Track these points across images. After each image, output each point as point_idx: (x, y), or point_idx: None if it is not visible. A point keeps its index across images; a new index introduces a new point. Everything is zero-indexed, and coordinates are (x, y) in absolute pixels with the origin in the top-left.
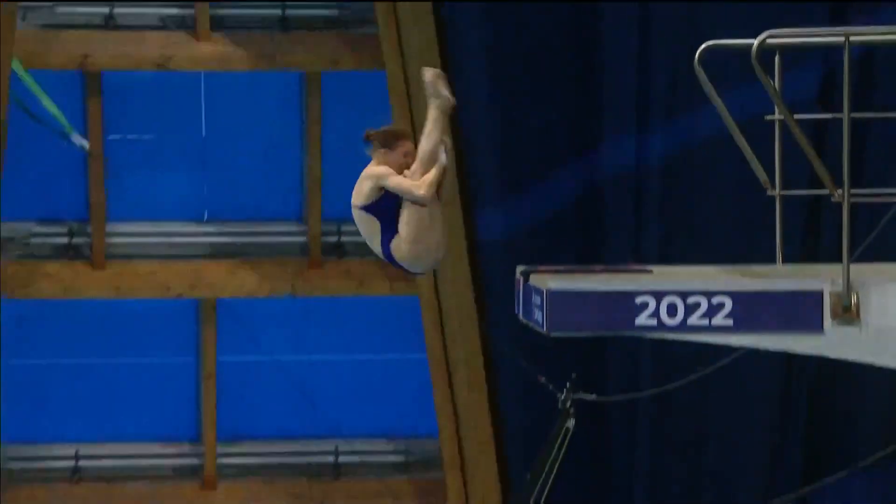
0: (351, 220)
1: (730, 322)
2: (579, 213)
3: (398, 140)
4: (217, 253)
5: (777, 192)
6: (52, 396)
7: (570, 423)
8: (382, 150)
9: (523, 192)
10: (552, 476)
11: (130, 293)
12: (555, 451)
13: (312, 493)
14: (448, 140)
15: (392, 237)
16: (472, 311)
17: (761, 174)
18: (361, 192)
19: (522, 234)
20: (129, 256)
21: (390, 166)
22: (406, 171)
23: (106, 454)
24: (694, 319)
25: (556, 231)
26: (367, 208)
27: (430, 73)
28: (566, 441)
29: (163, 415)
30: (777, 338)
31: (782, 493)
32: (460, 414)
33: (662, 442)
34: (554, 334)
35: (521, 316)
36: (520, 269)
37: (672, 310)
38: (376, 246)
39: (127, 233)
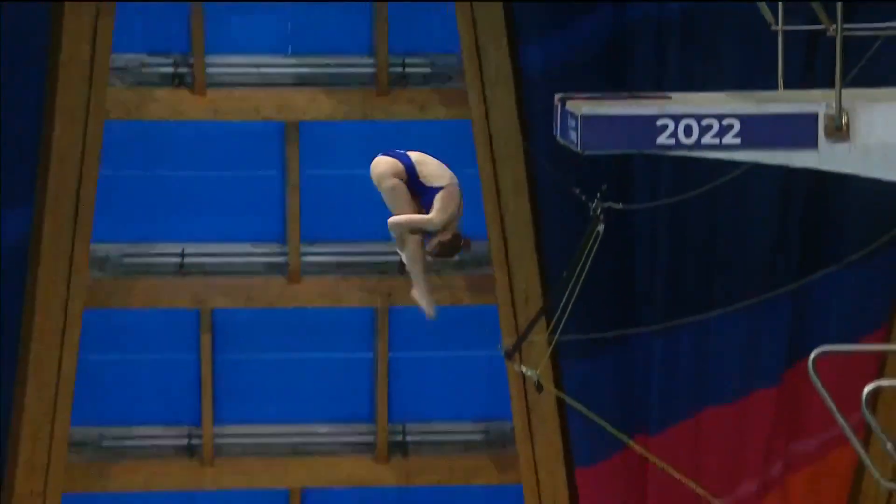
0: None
1: (738, 141)
2: (611, 50)
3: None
4: (300, 82)
5: (780, 27)
6: (161, 203)
7: (600, 227)
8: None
9: (563, 30)
10: (584, 273)
11: (226, 116)
12: (587, 252)
13: (381, 288)
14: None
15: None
16: (517, 133)
17: (767, 13)
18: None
19: (561, 67)
20: (225, 84)
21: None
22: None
23: (207, 252)
24: (707, 139)
25: (590, 64)
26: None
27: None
28: (596, 243)
29: (254, 219)
30: (778, 154)
31: (782, 285)
32: (506, 220)
33: (679, 244)
34: (587, 152)
35: (558, 137)
36: (558, 96)
37: (688, 131)
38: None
39: (224, 64)
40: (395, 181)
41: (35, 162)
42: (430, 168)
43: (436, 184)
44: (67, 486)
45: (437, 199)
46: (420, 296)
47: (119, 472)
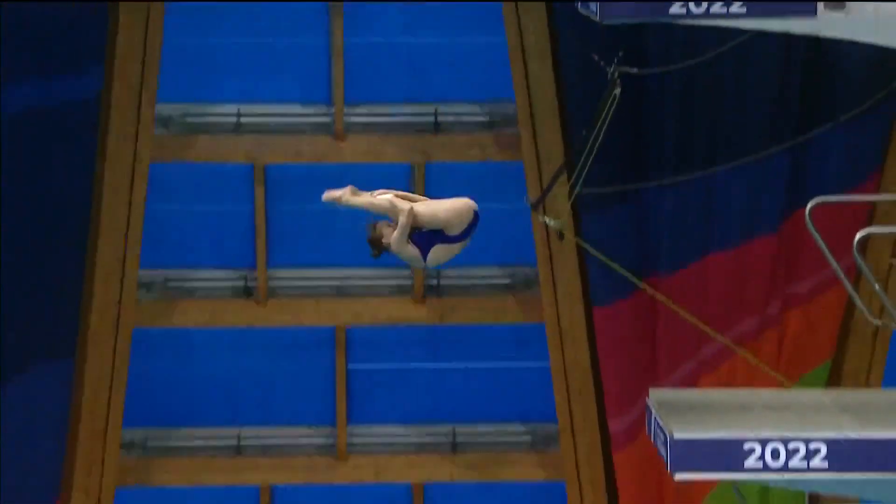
0: None
1: (743, 10)
2: None
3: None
4: None
5: None
6: (219, 68)
7: (617, 90)
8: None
9: None
10: (602, 132)
11: None
12: (605, 113)
13: (417, 145)
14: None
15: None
16: (541, 7)
17: None
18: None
19: None
20: None
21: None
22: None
23: (260, 112)
24: (716, 8)
25: None
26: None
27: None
28: (613, 105)
29: (303, 84)
30: (780, 22)
31: (781, 142)
32: (532, 84)
33: (688, 106)
34: (605, 22)
35: (579, 7)
36: None
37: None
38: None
39: None
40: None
41: (105, 27)
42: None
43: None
44: (137, 321)
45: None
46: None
47: (183, 309)
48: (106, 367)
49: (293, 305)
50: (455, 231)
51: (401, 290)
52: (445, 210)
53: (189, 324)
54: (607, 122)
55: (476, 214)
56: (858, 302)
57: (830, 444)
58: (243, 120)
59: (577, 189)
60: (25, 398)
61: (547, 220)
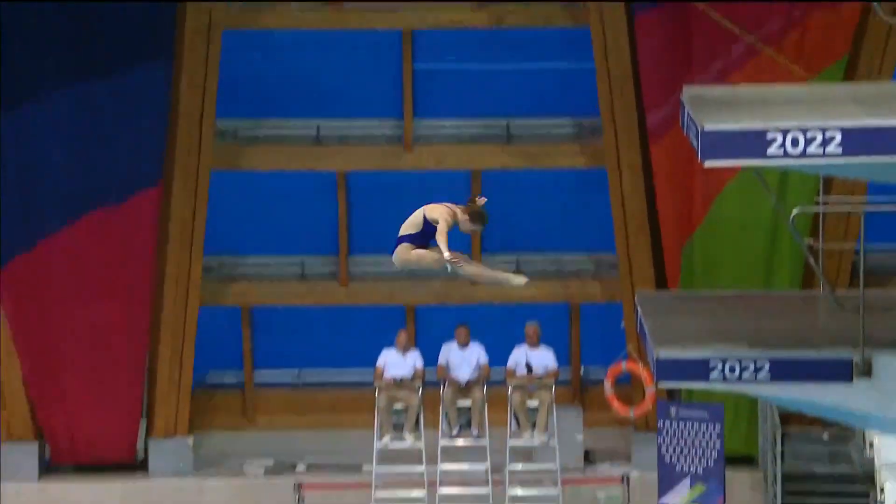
0: None
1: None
2: None
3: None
4: None
5: None
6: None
7: None
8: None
9: None
10: None
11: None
12: None
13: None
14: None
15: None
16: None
17: None
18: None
19: None
20: None
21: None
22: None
23: None
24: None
25: None
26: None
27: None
28: None
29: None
30: None
31: None
32: None
33: None
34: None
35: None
36: None
37: None
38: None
39: None
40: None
41: None
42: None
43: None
44: (227, 24)
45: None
46: (501, 279)
47: (269, 13)
48: (200, 65)
49: (367, 15)
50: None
51: None
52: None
53: (273, 26)
54: None
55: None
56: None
57: (844, 131)
58: None
59: None
60: (129, 94)
61: None
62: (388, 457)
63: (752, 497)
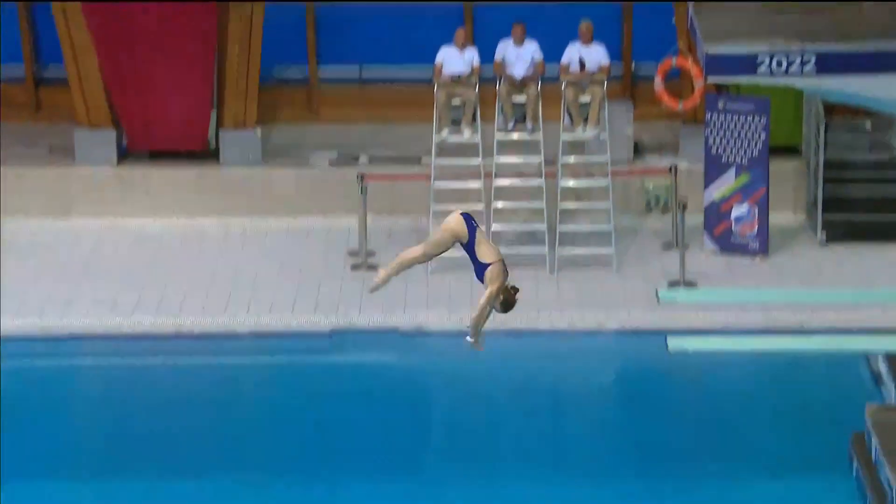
0: None
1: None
2: None
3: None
4: None
5: None
6: None
7: None
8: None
9: None
10: None
11: None
12: None
13: None
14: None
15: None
16: None
17: None
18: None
19: None
20: None
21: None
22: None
23: None
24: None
25: None
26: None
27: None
28: None
29: None
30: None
31: None
32: None
33: None
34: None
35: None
36: None
37: None
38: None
39: None
40: (448, 236)
41: None
42: (484, 249)
43: (486, 261)
44: None
45: (488, 273)
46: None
47: None
48: None
49: None
50: (465, 238)
51: None
52: (453, 224)
53: None
54: None
55: (466, 216)
56: None
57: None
58: None
59: None
60: None
61: None
62: (446, 150)
63: (794, 185)
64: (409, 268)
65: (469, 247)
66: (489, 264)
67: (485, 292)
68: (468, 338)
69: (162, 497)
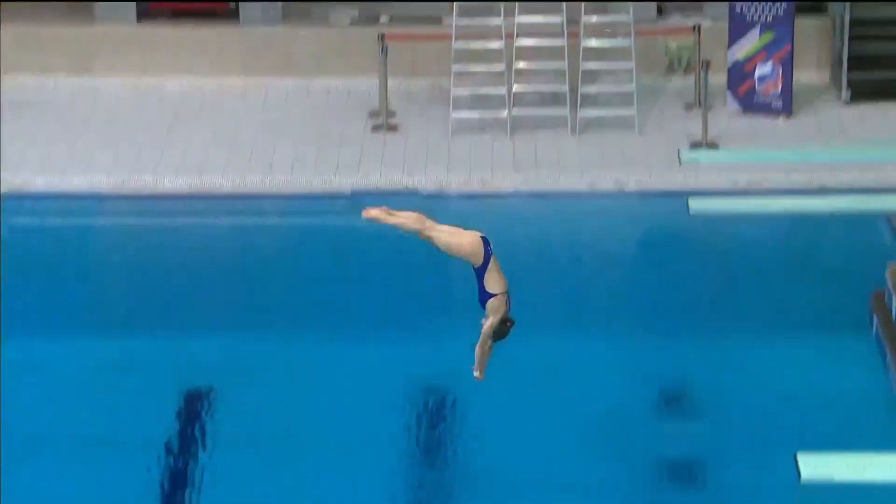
0: None
1: None
2: None
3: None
4: None
5: None
6: None
7: None
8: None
9: None
10: None
11: None
12: None
13: None
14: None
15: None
16: None
17: None
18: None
19: None
20: None
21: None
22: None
23: None
24: None
25: None
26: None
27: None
28: None
29: None
30: None
31: None
32: None
33: None
34: None
35: None
36: None
37: None
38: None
39: None
40: (457, 250)
41: None
42: (493, 278)
43: (491, 291)
44: None
45: (490, 305)
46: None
47: None
48: None
49: None
50: (478, 261)
51: None
52: (468, 245)
53: None
54: None
55: (485, 240)
56: None
57: None
58: None
59: None
60: None
61: None
62: (466, 10)
63: (819, 43)
64: (403, 231)
65: (480, 271)
66: (493, 295)
67: (486, 324)
68: (475, 372)
69: (182, 355)
